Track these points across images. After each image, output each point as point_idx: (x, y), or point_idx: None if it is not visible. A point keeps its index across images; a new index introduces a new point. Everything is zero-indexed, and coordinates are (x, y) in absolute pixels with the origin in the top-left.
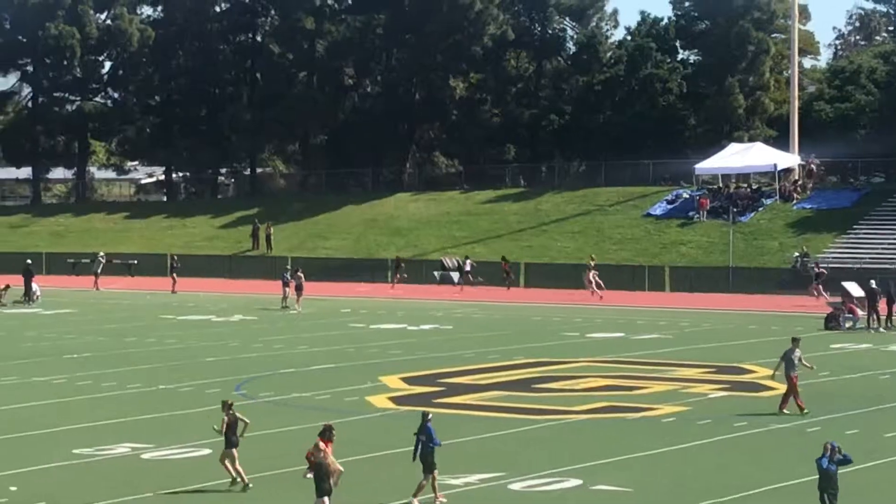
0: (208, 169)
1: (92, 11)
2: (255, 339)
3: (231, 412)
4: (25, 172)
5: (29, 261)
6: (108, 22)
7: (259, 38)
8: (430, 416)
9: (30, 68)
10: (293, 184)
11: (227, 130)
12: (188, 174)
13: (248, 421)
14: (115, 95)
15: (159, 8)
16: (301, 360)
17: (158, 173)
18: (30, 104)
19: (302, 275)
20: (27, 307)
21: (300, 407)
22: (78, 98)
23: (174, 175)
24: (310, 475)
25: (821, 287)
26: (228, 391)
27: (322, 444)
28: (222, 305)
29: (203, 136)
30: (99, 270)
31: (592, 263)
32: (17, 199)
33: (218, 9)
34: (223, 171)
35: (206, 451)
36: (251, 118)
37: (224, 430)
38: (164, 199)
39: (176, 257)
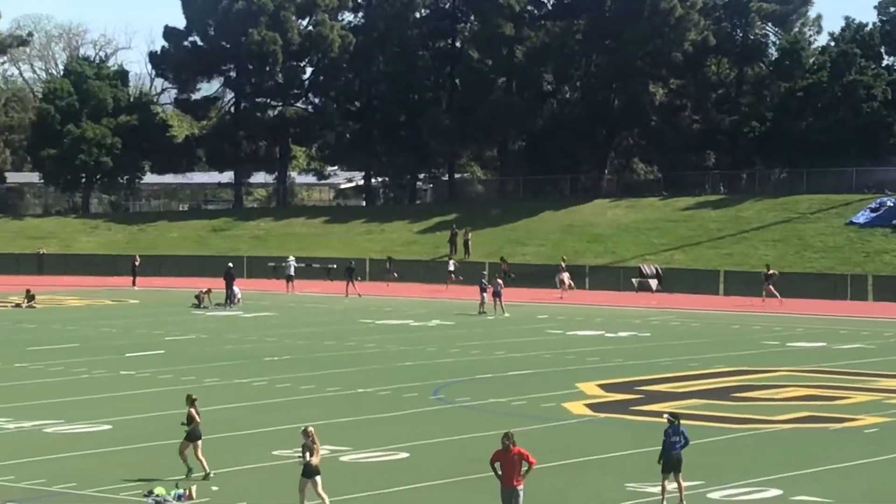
0: (407, 174)
1: (294, 18)
2: (452, 344)
3: (195, 407)
4: (227, 177)
5: (230, 264)
6: (310, 28)
7: (458, 44)
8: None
9: (233, 74)
10: (491, 189)
11: (425, 136)
12: (387, 179)
13: (199, 420)
14: (316, 101)
15: (360, 14)
16: (498, 365)
17: (357, 178)
18: (232, 109)
19: (500, 280)
20: (228, 310)
21: (496, 412)
22: (279, 103)
23: (373, 180)
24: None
25: None
26: (425, 395)
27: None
28: (420, 310)
29: (402, 142)
30: (292, 273)
31: (563, 265)
32: (219, 203)
33: (418, 15)
34: (421, 176)
35: (404, 455)
36: (450, 124)
37: (189, 421)
38: (363, 203)
39: (353, 262)
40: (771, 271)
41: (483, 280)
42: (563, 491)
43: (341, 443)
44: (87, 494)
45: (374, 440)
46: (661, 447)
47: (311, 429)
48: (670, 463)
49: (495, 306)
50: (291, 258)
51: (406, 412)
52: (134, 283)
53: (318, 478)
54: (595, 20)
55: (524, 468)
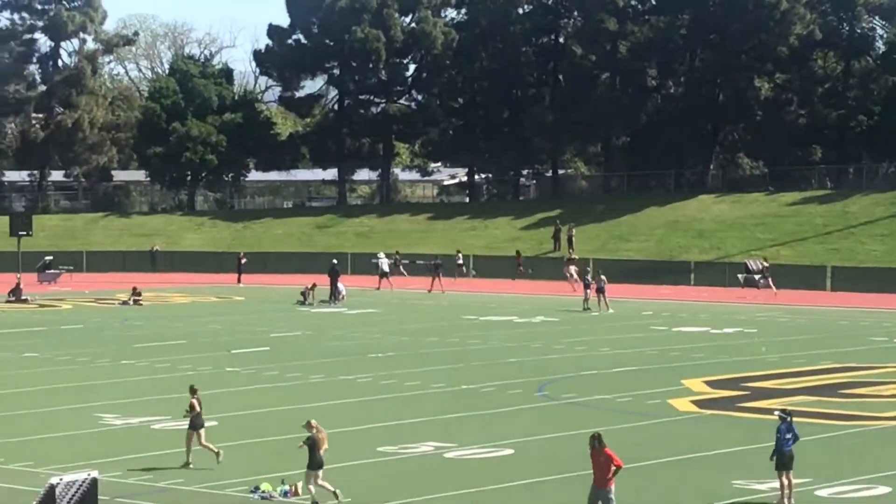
0: (510, 170)
1: (397, 15)
2: (557, 341)
3: (196, 396)
4: (331, 174)
5: (335, 261)
6: (413, 25)
7: (562, 40)
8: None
9: (336, 71)
10: (595, 185)
11: (528, 132)
12: (490, 175)
13: (199, 410)
14: (419, 98)
15: (463, 10)
16: (603, 362)
17: (461, 175)
18: (336, 107)
19: (604, 277)
20: (333, 306)
21: (602, 409)
22: (383, 100)
23: (476, 176)
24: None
25: None
26: (530, 392)
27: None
28: (524, 306)
29: (505, 138)
30: (386, 269)
31: (575, 257)
32: (323, 200)
33: (521, 11)
34: (525, 172)
35: (509, 452)
36: (553, 119)
37: (190, 410)
38: (467, 200)
39: (438, 258)
40: (766, 263)
41: (587, 276)
42: (671, 487)
43: (446, 439)
44: (194, 490)
45: (478, 437)
46: (771, 444)
47: (314, 421)
48: (783, 460)
49: (599, 302)
50: (382, 254)
51: (511, 409)
52: (239, 280)
53: (320, 471)
54: (699, 14)
55: (612, 470)
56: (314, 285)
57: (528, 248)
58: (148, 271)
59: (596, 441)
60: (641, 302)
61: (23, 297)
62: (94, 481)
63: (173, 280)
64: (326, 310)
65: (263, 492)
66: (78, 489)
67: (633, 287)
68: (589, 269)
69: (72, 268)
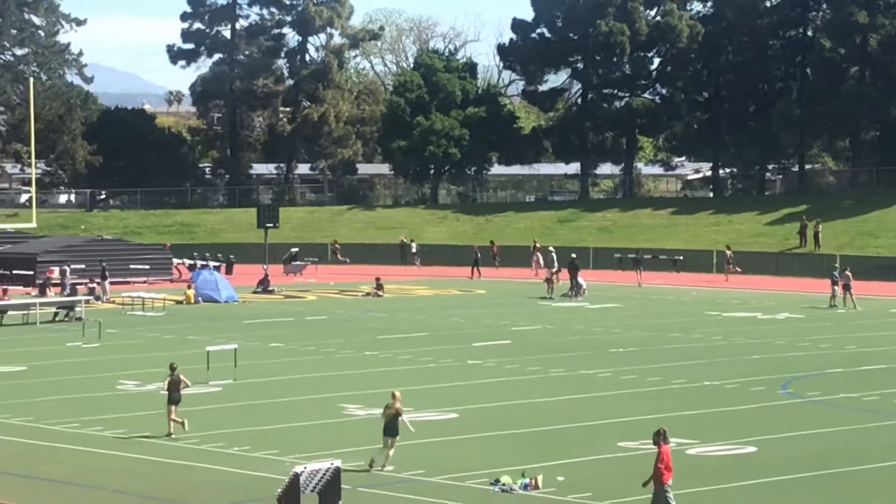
0: (755, 165)
1: (642, 8)
2: (802, 338)
3: (175, 373)
4: (574, 168)
5: (573, 255)
6: (658, 18)
7: (810, 33)
8: None
9: (580, 65)
10: (842, 180)
11: (775, 126)
12: (735, 170)
13: (189, 383)
14: (663, 91)
15: (709, 4)
16: (849, 360)
17: (705, 169)
18: (579, 101)
19: (850, 273)
20: (573, 301)
21: (847, 408)
22: (626, 94)
23: (721, 171)
24: None
25: None
26: (773, 389)
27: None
28: (769, 303)
29: (750, 132)
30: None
31: (538, 245)
32: (566, 194)
33: (768, 4)
34: (770, 167)
35: (751, 449)
36: (800, 114)
37: (168, 388)
38: (711, 195)
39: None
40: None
41: (834, 273)
42: None
43: (688, 436)
44: (435, 482)
45: (721, 433)
46: None
47: (397, 393)
48: None
49: (845, 300)
50: (552, 248)
51: (754, 406)
52: (478, 274)
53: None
54: None
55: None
56: (559, 269)
57: (774, 243)
58: (397, 264)
59: (658, 436)
60: (889, 299)
61: (270, 289)
62: (338, 470)
63: (415, 273)
64: (567, 304)
65: (504, 484)
66: (321, 478)
67: (881, 284)
68: (836, 265)
69: (317, 259)
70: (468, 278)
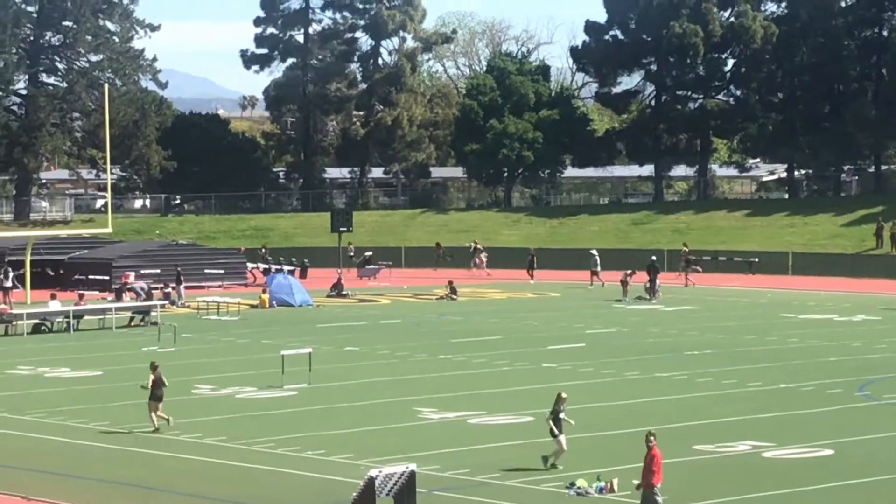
0: (831, 166)
1: (715, 10)
2: (878, 340)
3: (157, 372)
4: (648, 170)
5: (653, 257)
6: (732, 20)
7: (885, 33)
8: None
9: (653, 67)
10: None
11: (850, 127)
12: (810, 171)
13: (167, 383)
14: (738, 93)
15: (783, 4)
16: None
17: (780, 171)
18: (652, 102)
19: None
20: (649, 303)
21: None
22: (700, 96)
23: (796, 172)
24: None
25: None
26: (850, 391)
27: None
28: (845, 305)
29: (826, 133)
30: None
31: (479, 246)
32: (640, 196)
33: (843, 4)
34: (846, 168)
35: (828, 452)
36: (875, 114)
37: (150, 385)
38: (786, 196)
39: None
40: (686, 249)
41: None
42: None
43: (765, 439)
44: (510, 485)
45: (798, 436)
46: None
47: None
48: None
49: None
50: (594, 250)
51: (830, 408)
52: (531, 276)
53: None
54: None
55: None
56: (633, 271)
57: (850, 245)
58: (467, 267)
59: (648, 439)
60: None
61: (343, 292)
62: (413, 474)
63: (489, 276)
64: (642, 307)
65: (579, 488)
66: (396, 482)
67: None
68: None
69: (391, 263)
70: (528, 280)
